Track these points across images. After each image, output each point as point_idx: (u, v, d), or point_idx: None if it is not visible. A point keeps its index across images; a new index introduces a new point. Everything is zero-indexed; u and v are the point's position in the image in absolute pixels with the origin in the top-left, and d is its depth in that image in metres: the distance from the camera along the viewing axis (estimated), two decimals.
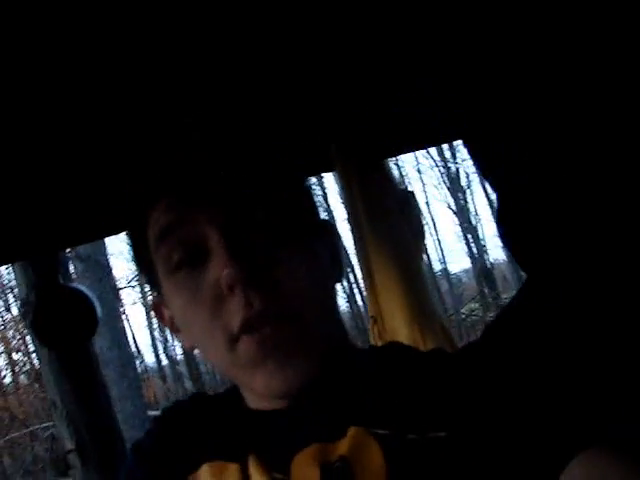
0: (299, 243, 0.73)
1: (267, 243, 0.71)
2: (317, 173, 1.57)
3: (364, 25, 0.89)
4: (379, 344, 1.29)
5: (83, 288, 1.55)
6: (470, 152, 0.92)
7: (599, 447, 0.59)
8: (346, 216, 1.34)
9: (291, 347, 0.70)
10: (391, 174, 1.39)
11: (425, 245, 1.39)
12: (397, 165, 16.15)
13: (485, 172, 0.88)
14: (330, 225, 0.84)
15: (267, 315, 0.69)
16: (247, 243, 0.70)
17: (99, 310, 1.55)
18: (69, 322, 1.51)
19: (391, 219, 1.29)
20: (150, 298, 18.04)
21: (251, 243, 0.70)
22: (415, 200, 1.40)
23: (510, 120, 0.85)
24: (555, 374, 0.76)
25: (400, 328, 1.23)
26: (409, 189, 1.45)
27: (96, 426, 1.75)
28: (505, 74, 0.93)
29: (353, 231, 1.32)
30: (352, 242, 1.34)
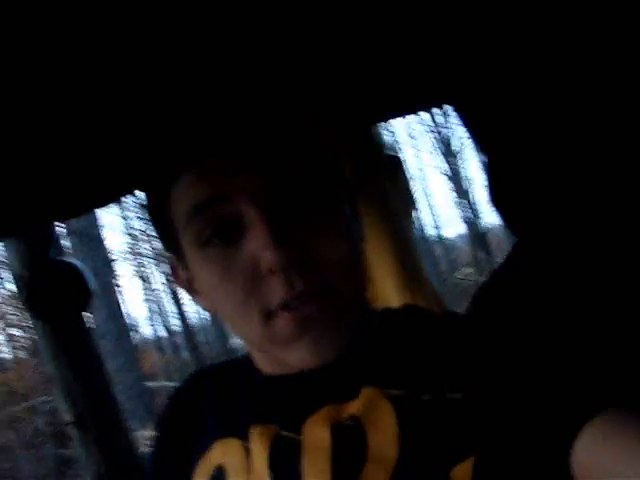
0: (335, 214, 0.73)
1: (307, 219, 0.70)
2: None
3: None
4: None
5: (76, 261, 1.56)
6: (461, 117, 0.92)
7: (617, 409, 0.58)
8: None
9: (328, 322, 0.70)
10: (378, 141, 1.39)
11: (415, 211, 1.39)
12: (390, 131, 16.11)
13: (475, 136, 0.89)
14: (351, 183, 0.83)
15: (308, 294, 0.68)
16: (287, 222, 0.69)
17: (93, 283, 1.55)
18: (63, 295, 1.52)
19: (378, 185, 1.29)
20: (145, 270, 18.12)
21: (291, 222, 0.69)
22: (402, 166, 1.40)
23: (502, 85, 0.85)
24: (567, 333, 0.77)
25: (392, 295, 1.23)
26: (396, 155, 1.44)
27: (94, 398, 1.76)
28: (497, 39, 0.92)
29: None
30: None
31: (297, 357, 0.71)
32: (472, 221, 18.71)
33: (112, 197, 1.49)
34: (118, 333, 6.39)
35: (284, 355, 0.72)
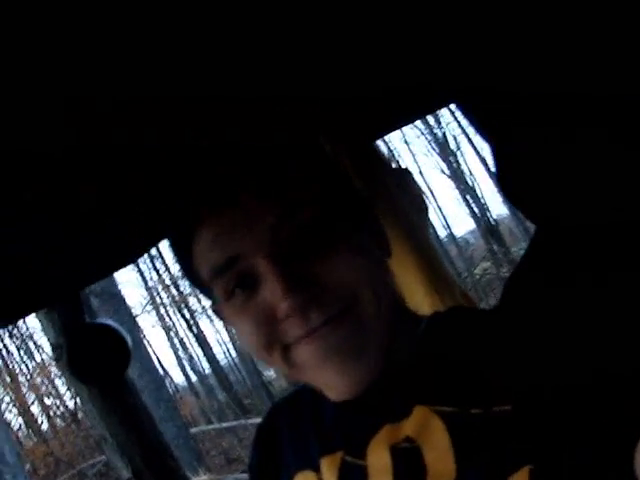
0: (348, 237, 0.75)
1: (319, 254, 0.72)
2: None
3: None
4: None
5: (111, 322, 1.59)
6: (463, 111, 0.93)
7: None
8: None
9: (349, 346, 0.72)
10: (382, 155, 1.42)
11: (429, 217, 1.42)
12: (384, 141, 16.14)
13: (480, 127, 0.90)
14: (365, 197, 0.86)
15: (324, 322, 0.71)
16: (299, 265, 0.71)
17: (129, 341, 1.58)
18: (104, 357, 1.55)
19: (392, 198, 1.31)
20: (167, 320, 18.10)
21: (303, 263, 0.72)
22: (411, 176, 1.42)
23: (505, 76, 0.87)
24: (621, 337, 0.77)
25: (422, 302, 1.25)
26: (403, 167, 1.47)
27: (149, 451, 1.79)
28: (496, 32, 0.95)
29: None
30: None
31: (327, 385, 0.74)
32: (480, 215, 18.69)
33: (135, 256, 1.53)
34: (154, 386, 6.41)
35: (317, 385, 0.75)
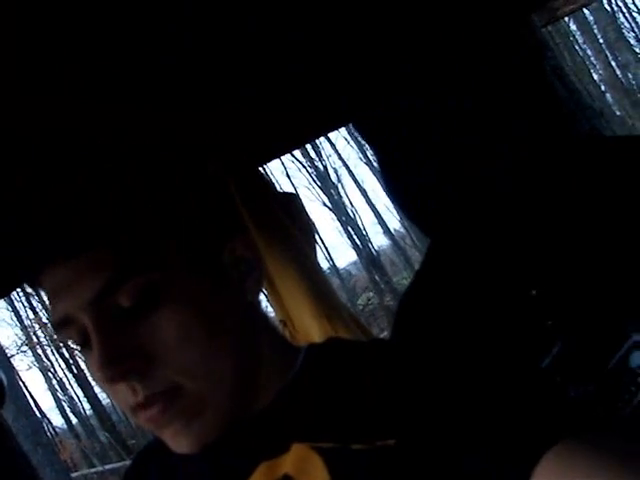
0: (183, 302, 0.71)
1: (142, 318, 0.69)
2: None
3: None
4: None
5: None
6: (359, 131, 0.95)
7: (573, 439, 0.58)
8: None
9: (183, 419, 0.70)
10: (267, 180, 1.41)
11: (316, 242, 1.41)
12: (265, 173, 16.21)
13: (369, 142, 0.92)
14: (241, 232, 0.79)
15: (154, 396, 0.69)
16: (119, 327, 0.69)
17: (4, 380, 1.49)
18: None
19: (277, 223, 1.30)
20: (44, 360, 17.42)
21: (124, 325, 0.69)
22: (298, 200, 1.42)
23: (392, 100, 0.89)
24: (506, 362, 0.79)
25: (310, 326, 1.24)
26: (290, 192, 1.47)
27: None
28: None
29: None
30: None
31: (171, 445, 0.73)
32: (362, 246, 19.01)
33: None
34: (31, 429, 6.10)
35: (166, 442, 0.73)
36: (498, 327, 0.86)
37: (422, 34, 0.97)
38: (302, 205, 1.42)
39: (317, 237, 1.44)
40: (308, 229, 1.38)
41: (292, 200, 1.40)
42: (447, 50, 0.92)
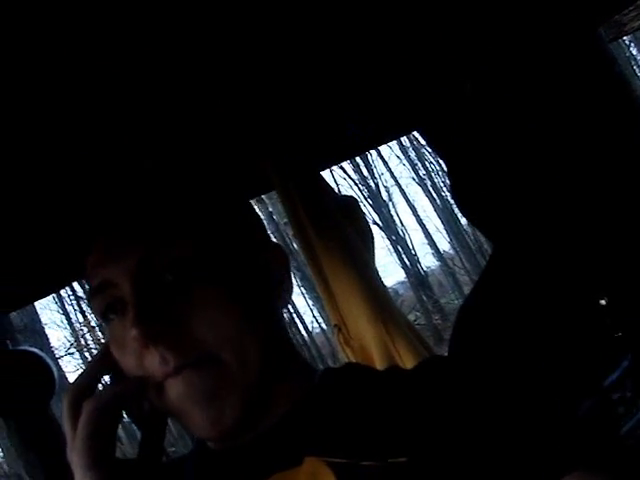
0: (219, 283, 0.73)
1: (180, 292, 0.72)
2: (257, 195, 1.57)
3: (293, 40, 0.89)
4: (347, 351, 1.29)
5: (35, 350, 1.50)
6: (424, 137, 0.95)
7: (585, 469, 0.59)
8: (293, 232, 1.35)
9: (210, 390, 0.71)
10: (328, 184, 1.40)
11: (375, 246, 1.40)
12: None
13: (438, 151, 0.91)
14: (275, 248, 0.84)
15: (184, 366, 0.70)
16: (157, 296, 0.71)
17: (55, 369, 1.50)
18: (27, 387, 1.46)
19: (337, 227, 1.29)
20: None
21: (161, 295, 0.71)
22: (357, 204, 1.41)
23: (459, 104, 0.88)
24: (529, 390, 0.77)
25: (366, 331, 1.22)
26: (350, 195, 1.46)
27: None
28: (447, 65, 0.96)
29: (302, 245, 1.32)
30: (304, 257, 1.34)
31: (193, 425, 0.72)
32: (411, 266, 18.92)
33: (56, 285, 1.47)
34: None
35: (185, 423, 0.73)
36: (564, 341, 0.83)
37: (493, 42, 0.95)
38: (361, 210, 1.41)
39: (375, 243, 1.42)
40: (367, 234, 1.36)
41: (351, 204, 1.39)
42: (517, 58, 0.91)
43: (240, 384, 0.72)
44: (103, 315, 0.75)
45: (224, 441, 0.75)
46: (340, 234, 1.28)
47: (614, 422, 0.75)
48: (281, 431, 0.74)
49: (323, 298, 1.31)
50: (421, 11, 0.90)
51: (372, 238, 1.38)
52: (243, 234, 0.80)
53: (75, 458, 0.68)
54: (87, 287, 0.77)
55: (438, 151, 0.94)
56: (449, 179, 0.93)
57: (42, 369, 1.46)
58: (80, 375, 0.76)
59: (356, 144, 1.52)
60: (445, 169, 0.96)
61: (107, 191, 0.97)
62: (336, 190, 1.48)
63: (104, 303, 0.74)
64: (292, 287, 0.84)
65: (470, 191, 0.90)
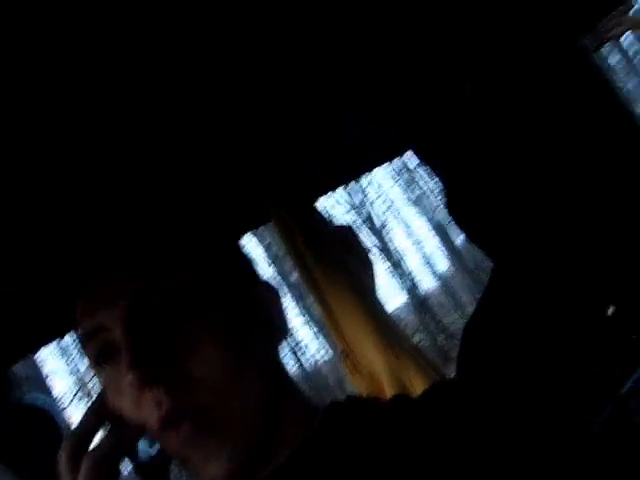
0: (213, 323, 0.72)
1: (173, 332, 0.70)
2: (253, 227, 1.56)
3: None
4: (355, 378, 1.28)
5: (40, 399, 1.49)
6: (418, 156, 0.95)
7: None
8: (293, 265, 1.34)
9: (215, 440, 0.69)
10: (324, 217, 1.40)
11: (374, 272, 1.39)
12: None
13: (434, 169, 0.91)
14: (267, 287, 0.82)
15: (180, 411, 0.68)
16: (151, 337, 0.70)
17: (62, 420, 1.48)
18: (34, 438, 1.44)
19: (336, 256, 1.29)
20: None
21: (156, 335, 0.70)
22: (355, 233, 1.40)
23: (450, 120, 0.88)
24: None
25: (374, 357, 1.22)
26: (346, 225, 1.46)
27: None
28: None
29: (302, 276, 1.32)
30: (304, 288, 1.33)
31: (202, 471, 0.71)
32: (410, 289, 18.86)
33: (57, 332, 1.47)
34: None
35: (194, 470, 0.72)
36: (575, 351, 0.82)
37: (485, 51, 0.95)
38: (358, 237, 1.40)
39: (374, 270, 1.41)
40: (366, 260, 1.36)
41: (348, 233, 1.39)
42: (511, 68, 0.91)
43: (243, 430, 0.70)
44: (96, 361, 0.73)
45: None
46: (339, 261, 1.27)
47: (632, 429, 0.74)
48: (288, 471, 0.72)
49: (327, 325, 1.31)
50: (411, 27, 0.90)
51: (371, 265, 1.38)
52: (235, 269, 0.79)
53: None
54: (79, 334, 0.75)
55: (433, 168, 0.94)
56: (445, 195, 0.92)
57: (48, 419, 1.45)
58: (76, 427, 0.73)
59: (350, 168, 1.52)
60: (440, 186, 0.95)
61: (98, 225, 0.97)
62: (330, 218, 1.47)
63: (96, 349, 0.72)
64: (287, 323, 0.82)
65: (466, 206, 0.89)
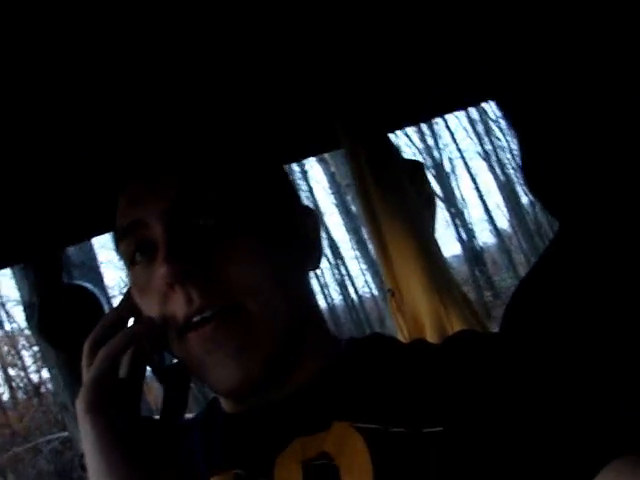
0: (252, 233, 0.72)
1: (212, 236, 0.71)
2: (324, 151, 1.55)
3: None
4: (398, 317, 1.27)
5: (88, 285, 1.52)
6: (499, 107, 0.92)
7: (635, 454, 0.57)
8: (355, 193, 1.33)
9: (236, 342, 0.69)
10: (394, 147, 1.37)
11: (436, 215, 1.37)
12: None
13: (513, 125, 0.89)
14: (308, 212, 0.82)
15: (208, 310, 0.69)
16: (189, 238, 0.70)
17: (106, 307, 1.51)
18: (78, 320, 1.48)
19: (401, 189, 1.26)
20: None
21: (193, 238, 0.70)
22: (423, 170, 1.38)
23: (535, 75, 0.85)
24: (577, 368, 0.74)
25: (420, 299, 1.20)
26: (416, 160, 1.43)
27: None
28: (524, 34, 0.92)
29: (363, 206, 1.30)
30: (363, 218, 1.32)
31: (211, 379, 0.71)
32: (467, 241, 18.74)
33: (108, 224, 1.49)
34: None
35: (203, 377, 0.72)
36: (619, 327, 0.80)
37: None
38: (426, 175, 1.38)
39: (436, 212, 1.39)
40: (430, 200, 1.34)
41: (418, 169, 1.36)
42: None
43: (266, 337, 0.70)
44: (131, 258, 0.74)
45: (246, 398, 0.73)
46: (404, 198, 1.25)
47: None
48: (306, 396, 0.73)
49: (380, 262, 1.29)
50: None
51: (434, 206, 1.35)
52: (278, 190, 0.79)
53: (77, 402, 0.67)
54: (119, 226, 0.75)
55: (511, 122, 0.91)
56: (520, 151, 0.89)
57: (92, 304, 1.48)
58: (100, 322, 0.74)
59: (426, 108, 1.49)
60: (516, 142, 0.92)
61: (148, 126, 0.97)
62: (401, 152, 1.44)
63: (133, 244, 0.73)
64: (322, 251, 0.83)
65: (542, 166, 0.86)
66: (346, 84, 1.19)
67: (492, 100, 1.42)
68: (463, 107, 1.60)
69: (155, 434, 0.71)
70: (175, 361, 0.75)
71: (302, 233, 0.79)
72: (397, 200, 1.24)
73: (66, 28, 0.70)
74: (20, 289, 1.71)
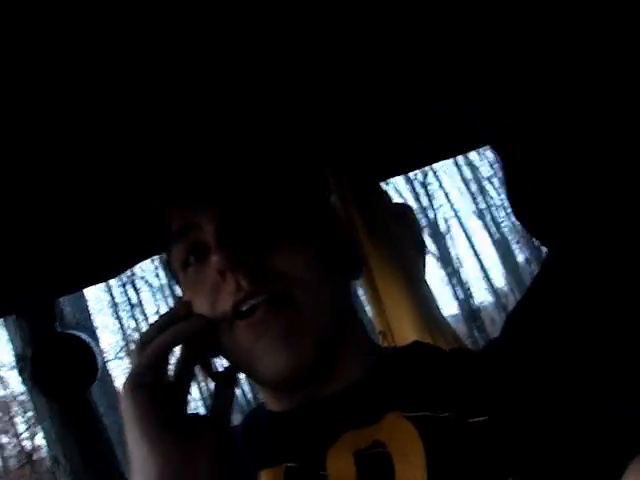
0: (297, 234, 0.76)
1: (259, 234, 0.74)
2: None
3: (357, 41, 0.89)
4: None
5: (82, 334, 1.52)
6: (485, 138, 0.95)
7: None
8: None
9: (285, 326, 0.71)
10: (383, 190, 1.39)
11: (426, 256, 1.38)
12: None
13: (497, 153, 0.91)
14: (348, 226, 0.87)
15: (256, 297, 0.72)
16: (238, 233, 0.73)
17: (99, 355, 1.51)
18: (70, 369, 1.48)
19: (391, 232, 1.28)
20: None
21: (242, 233, 0.74)
22: (412, 213, 1.39)
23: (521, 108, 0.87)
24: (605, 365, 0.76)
25: (411, 338, 1.20)
26: (405, 203, 1.45)
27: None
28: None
29: None
30: None
31: (258, 367, 0.73)
32: (464, 300, 18.71)
33: (113, 271, 1.49)
34: (119, 425, 6.25)
35: (249, 367, 0.74)
36: (617, 339, 0.81)
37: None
38: (416, 218, 1.39)
39: (426, 254, 1.40)
40: (419, 243, 1.35)
41: (406, 212, 1.37)
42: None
43: (313, 326, 0.73)
44: (184, 260, 0.77)
45: (295, 392, 0.75)
46: (393, 239, 1.26)
47: None
48: (358, 390, 0.75)
49: (370, 303, 1.30)
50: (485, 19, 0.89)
51: (424, 248, 1.37)
52: (324, 200, 0.86)
53: (123, 384, 0.71)
54: (171, 231, 0.79)
55: (495, 150, 0.93)
56: (504, 178, 0.91)
57: (85, 354, 1.48)
58: (152, 323, 0.77)
59: (418, 156, 1.51)
60: (501, 170, 0.94)
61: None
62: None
63: (186, 247, 0.77)
64: (363, 265, 0.89)
65: (527, 192, 0.88)
66: (337, 133, 1.21)
67: (484, 146, 1.44)
68: (454, 153, 1.62)
69: (203, 428, 0.73)
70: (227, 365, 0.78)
71: (347, 242, 0.85)
72: (387, 243, 1.25)
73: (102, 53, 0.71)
74: (13, 341, 1.70)
